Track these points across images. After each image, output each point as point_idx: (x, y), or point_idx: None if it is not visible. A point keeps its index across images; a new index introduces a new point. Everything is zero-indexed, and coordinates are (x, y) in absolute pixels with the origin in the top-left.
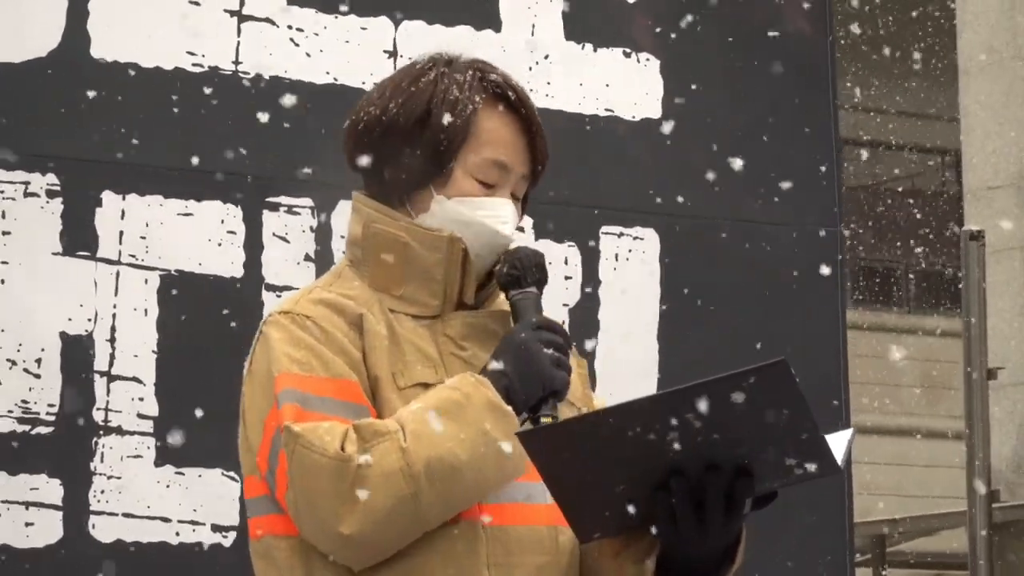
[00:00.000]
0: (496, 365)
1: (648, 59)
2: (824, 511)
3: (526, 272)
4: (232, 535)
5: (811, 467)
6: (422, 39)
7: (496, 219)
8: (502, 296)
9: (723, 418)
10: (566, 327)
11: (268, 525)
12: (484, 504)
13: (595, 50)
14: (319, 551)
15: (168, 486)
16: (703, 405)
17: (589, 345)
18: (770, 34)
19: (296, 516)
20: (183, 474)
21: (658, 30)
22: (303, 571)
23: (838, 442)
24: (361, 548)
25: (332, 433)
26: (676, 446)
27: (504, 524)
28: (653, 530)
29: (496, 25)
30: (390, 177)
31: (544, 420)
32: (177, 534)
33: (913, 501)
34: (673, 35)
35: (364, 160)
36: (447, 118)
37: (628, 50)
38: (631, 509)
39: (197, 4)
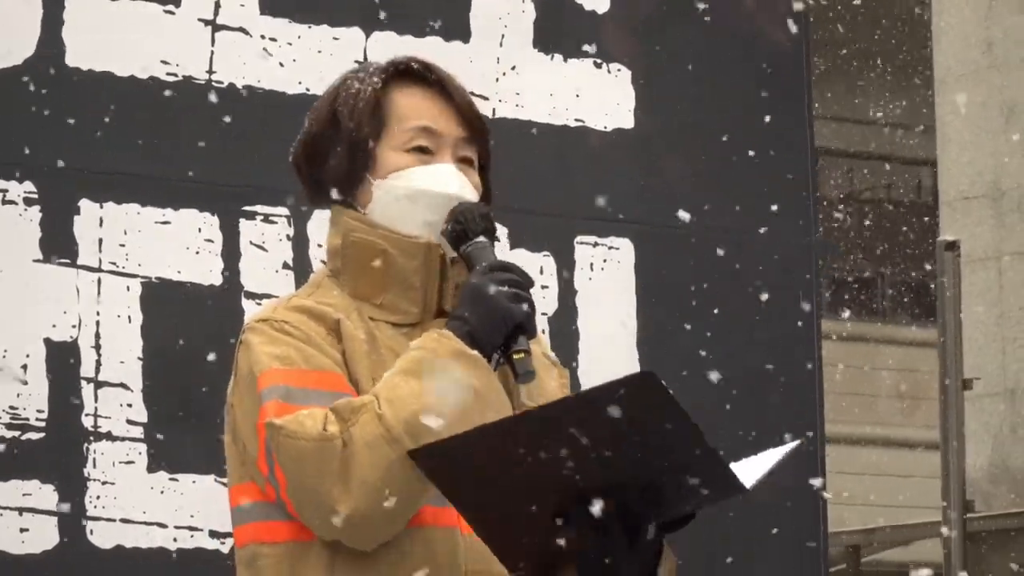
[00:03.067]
0: (455, 315)
1: (619, 69)
2: (798, 521)
3: (469, 224)
4: (230, 541)
5: (715, 487)
6: (392, 49)
7: (436, 182)
8: None
9: (605, 434)
10: (546, 336)
11: (254, 533)
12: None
13: (565, 60)
14: (304, 559)
15: (163, 492)
16: (583, 421)
17: (571, 353)
18: (745, 44)
19: (300, 511)
20: (177, 480)
21: (630, 40)
22: None
23: (769, 457)
24: (365, 525)
25: (313, 418)
26: (570, 463)
27: None
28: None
29: (465, 36)
30: (330, 183)
31: (516, 356)
32: (175, 540)
33: (888, 511)
34: (645, 45)
35: (309, 183)
36: (351, 106)
37: (599, 60)
38: (545, 534)
39: (171, 13)
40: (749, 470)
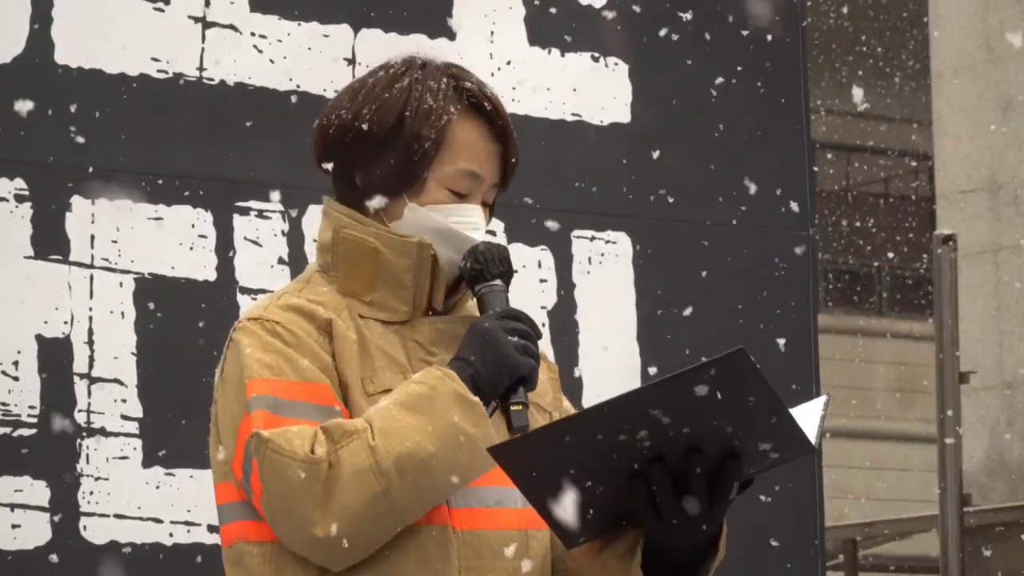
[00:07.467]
0: (461, 356)
1: (616, 63)
2: (796, 514)
3: (488, 265)
4: None
5: (786, 450)
6: (380, 46)
7: (468, 225)
8: (472, 302)
9: (690, 412)
10: (545, 329)
11: (240, 531)
12: (456, 508)
13: (562, 55)
14: (291, 557)
15: (158, 487)
16: (668, 402)
17: (572, 347)
18: (741, 37)
19: (272, 521)
20: (173, 475)
21: (627, 34)
22: None
23: (810, 414)
24: (338, 549)
25: (301, 436)
26: (648, 443)
27: (476, 528)
28: (639, 522)
29: (451, 34)
30: (362, 183)
31: (514, 408)
32: (171, 535)
33: (885, 505)
34: (642, 39)
35: (334, 164)
36: (421, 128)
37: (596, 54)
38: (613, 508)
39: (161, 11)
40: (804, 427)
